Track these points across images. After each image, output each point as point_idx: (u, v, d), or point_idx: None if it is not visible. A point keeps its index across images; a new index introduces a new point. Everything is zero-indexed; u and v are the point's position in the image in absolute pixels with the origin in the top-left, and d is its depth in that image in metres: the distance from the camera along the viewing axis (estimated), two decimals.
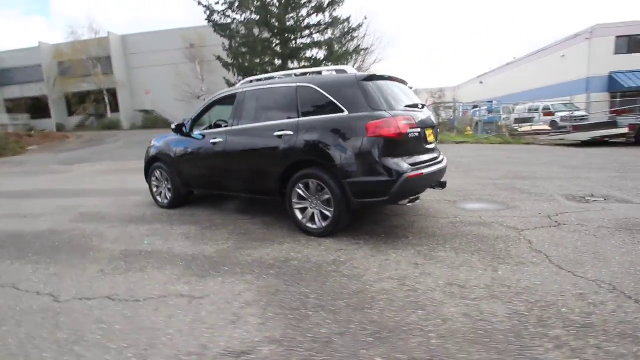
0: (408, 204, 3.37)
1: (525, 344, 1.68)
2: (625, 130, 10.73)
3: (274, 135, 3.48)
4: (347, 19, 16.10)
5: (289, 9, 15.59)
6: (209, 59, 22.91)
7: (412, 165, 3.06)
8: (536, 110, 17.67)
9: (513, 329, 1.80)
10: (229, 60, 16.78)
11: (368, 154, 2.97)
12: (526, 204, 4.25)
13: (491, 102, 17.69)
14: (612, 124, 11.85)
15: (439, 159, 3.62)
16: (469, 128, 15.16)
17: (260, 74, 16.84)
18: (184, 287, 2.45)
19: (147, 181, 5.04)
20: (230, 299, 2.25)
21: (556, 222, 3.51)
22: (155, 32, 27.68)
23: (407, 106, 3.37)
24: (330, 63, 15.90)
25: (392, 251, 2.90)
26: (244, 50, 15.82)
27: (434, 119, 3.90)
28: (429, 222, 3.67)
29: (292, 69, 16.88)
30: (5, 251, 3.34)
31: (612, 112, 15.35)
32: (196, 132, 4.40)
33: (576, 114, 15.64)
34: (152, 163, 4.88)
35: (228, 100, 4.22)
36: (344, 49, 16.07)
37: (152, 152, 4.86)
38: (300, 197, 3.39)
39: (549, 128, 16.02)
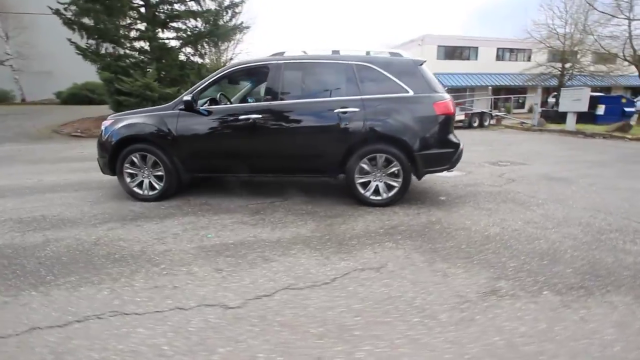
0: (451, 171, 4.04)
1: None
2: (462, 117, 14.83)
3: (336, 112, 3.48)
4: None
5: None
6: (16, 10, 16.86)
7: None
8: None
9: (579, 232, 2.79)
10: (69, 16, 12.91)
11: (437, 130, 3.48)
12: (472, 169, 5.70)
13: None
14: None
15: None
16: None
17: (123, 39, 13.89)
18: (348, 263, 2.39)
19: (114, 171, 3.88)
20: (405, 263, 2.41)
21: (509, 179, 4.98)
22: None
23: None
24: (215, 38, 14.59)
25: (460, 208, 3.55)
26: (97, 7, 12.46)
27: None
28: (451, 187, 4.51)
29: (166, 39, 14.64)
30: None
31: None
32: (213, 107, 3.76)
33: None
34: (122, 147, 3.78)
35: (253, 72, 3.77)
36: (231, 23, 14.97)
37: (124, 132, 3.76)
38: (363, 172, 3.57)
39: None
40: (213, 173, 3.87)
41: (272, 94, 3.60)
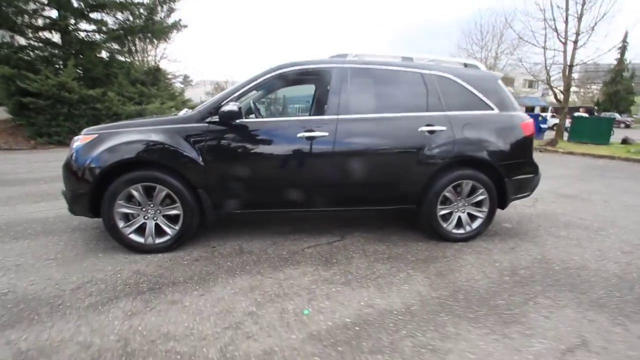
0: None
1: None
2: None
3: (420, 130, 2.83)
4: None
5: None
6: None
7: None
8: None
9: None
10: None
11: (526, 152, 3.08)
12: None
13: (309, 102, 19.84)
14: None
15: None
16: None
17: (27, 28, 11.03)
18: (540, 342, 1.74)
19: (97, 211, 2.59)
20: (599, 332, 1.87)
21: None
22: None
23: None
24: (149, 34, 12.53)
25: (543, 238, 3.18)
26: None
27: None
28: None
29: (85, 31, 12.14)
30: None
31: None
32: (260, 120, 2.80)
33: None
34: (114, 176, 2.53)
35: (306, 77, 2.90)
36: (169, 20, 13.01)
37: (120, 154, 2.51)
38: (445, 202, 2.99)
39: None
40: (256, 209, 2.84)
41: (334, 105, 2.78)
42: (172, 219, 2.69)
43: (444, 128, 2.86)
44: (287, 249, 2.82)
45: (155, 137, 2.58)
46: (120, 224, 2.62)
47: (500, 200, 3.07)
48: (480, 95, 3.02)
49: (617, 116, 31.76)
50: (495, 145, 2.94)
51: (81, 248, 2.78)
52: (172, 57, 24.81)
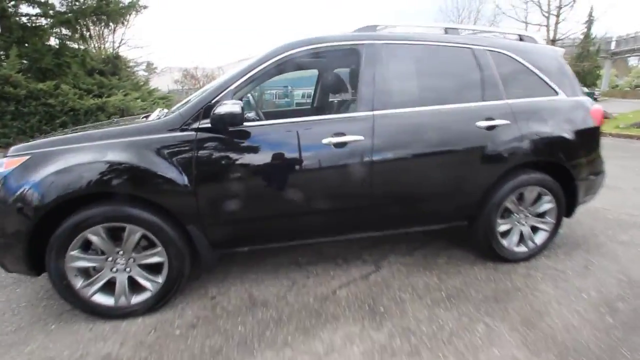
0: None
1: None
2: None
3: (477, 126, 2.16)
4: None
5: None
6: None
7: None
8: None
9: None
10: None
11: (597, 147, 2.48)
12: None
13: (286, 86, 18.65)
14: None
15: None
16: None
17: None
18: None
19: (40, 266, 1.78)
20: None
21: None
22: None
23: None
24: (104, 17, 10.97)
25: (610, 249, 2.65)
26: None
27: None
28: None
29: (27, 15, 10.54)
30: None
31: None
32: (269, 124, 2.00)
33: None
34: (61, 215, 1.73)
35: (325, 58, 2.14)
36: (125, 0, 11.46)
37: (66, 186, 1.69)
38: (506, 214, 2.38)
39: None
40: (270, 242, 2.10)
41: (367, 97, 2.05)
42: (153, 268, 1.92)
43: (507, 122, 2.20)
44: (313, 293, 2.13)
45: (116, 156, 1.76)
46: (78, 283, 1.82)
47: (567, 206, 2.49)
48: (544, 77, 2.38)
49: (595, 91, 32.15)
50: (566, 141, 2.33)
51: (24, 316, 1.96)
52: (132, 42, 22.58)
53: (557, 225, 2.48)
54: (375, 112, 2.03)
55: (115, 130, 1.96)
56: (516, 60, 2.34)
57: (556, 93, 2.40)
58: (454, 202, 2.26)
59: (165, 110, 2.17)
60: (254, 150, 1.91)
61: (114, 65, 12.87)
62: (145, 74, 26.00)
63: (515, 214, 2.40)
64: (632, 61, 47.11)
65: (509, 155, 2.21)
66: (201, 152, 1.82)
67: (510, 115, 2.22)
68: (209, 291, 2.17)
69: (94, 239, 1.78)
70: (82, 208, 1.75)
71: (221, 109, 1.76)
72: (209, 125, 1.83)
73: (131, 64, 16.11)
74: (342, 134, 1.96)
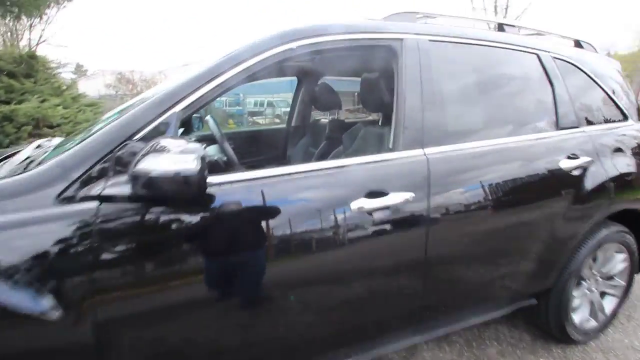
0: None
1: None
2: None
3: (561, 168, 1.49)
4: None
5: None
6: None
7: None
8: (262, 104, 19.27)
9: None
10: None
11: None
12: None
13: (237, 94, 17.35)
14: None
15: None
16: (231, 121, 14.21)
17: None
18: None
19: None
20: None
21: None
22: None
23: None
24: (15, 9, 9.01)
25: None
26: None
27: None
28: None
29: None
30: None
31: None
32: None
33: None
34: None
35: (338, 60, 1.35)
36: None
37: None
38: (580, 282, 1.74)
39: None
40: None
41: (414, 124, 1.27)
42: None
43: (589, 159, 1.58)
44: None
45: None
46: None
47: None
48: (614, 97, 1.82)
49: None
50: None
51: None
52: (55, 41, 19.53)
53: (629, 287, 1.91)
54: (428, 151, 1.26)
55: None
56: (584, 73, 1.74)
57: (626, 118, 1.85)
58: (526, 274, 1.57)
59: (53, 142, 1.19)
60: (229, 228, 1.01)
61: (29, 65, 10.79)
62: (74, 76, 22.94)
63: (587, 280, 1.79)
64: None
65: (596, 205, 1.58)
66: (107, 256, 0.88)
67: (592, 151, 1.60)
68: None
69: None
70: None
71: (152, 165, 0.83)
72: (132, 190, 0.87)
73: (52, 64, 13.83)
74: (383, 194, 1.15)
